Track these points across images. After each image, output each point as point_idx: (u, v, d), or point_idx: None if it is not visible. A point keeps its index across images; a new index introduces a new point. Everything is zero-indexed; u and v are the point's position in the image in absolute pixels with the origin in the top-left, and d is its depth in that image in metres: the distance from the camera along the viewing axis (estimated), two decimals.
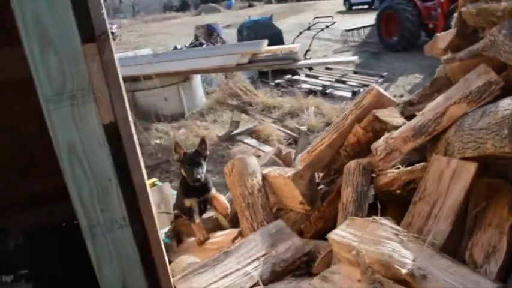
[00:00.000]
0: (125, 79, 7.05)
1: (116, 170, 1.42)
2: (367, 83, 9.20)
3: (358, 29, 14.69)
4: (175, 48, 12.21)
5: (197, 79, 8.70)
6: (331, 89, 9.17)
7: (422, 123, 2.05)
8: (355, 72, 10.45)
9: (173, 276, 2.06)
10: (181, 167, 2.89)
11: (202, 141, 2.90)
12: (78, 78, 1.30)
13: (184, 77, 8.04)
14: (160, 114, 7.09)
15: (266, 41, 7.10)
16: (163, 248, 1.59)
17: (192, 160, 2.82)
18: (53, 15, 1.26)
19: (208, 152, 2.95)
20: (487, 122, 1.68)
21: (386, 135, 2.20)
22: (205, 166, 2.87)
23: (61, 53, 1.28)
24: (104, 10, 1.29)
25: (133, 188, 1.44)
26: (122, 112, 1.36)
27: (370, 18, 15.09)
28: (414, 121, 2.13)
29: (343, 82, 9.61)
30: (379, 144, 2.18)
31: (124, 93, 1.45)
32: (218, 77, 9.34)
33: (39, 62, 1.26)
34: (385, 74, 10.10)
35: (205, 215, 3.04)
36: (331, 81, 9.68)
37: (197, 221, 2.82)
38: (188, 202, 2.88)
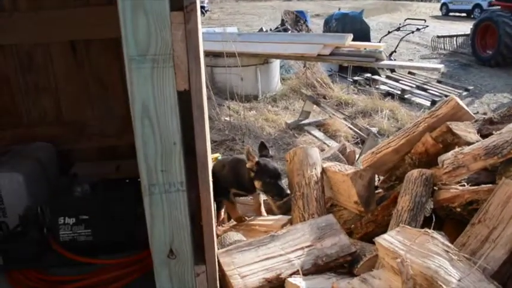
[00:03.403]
0: (207, 54, 7.28)
1: (182, 136, 1.49)
2: (449, 94, 8.79)
3: (451, 36, 14.02)
4: (261, 30, 12.30)
5: (275, 64, 8.74)
6: (410, 95, 8.87)
7: (497, 144, 1.95)
8: (439, 82, 10.02)
9: (218, 249, 2.13)
10: (257, 179, 2.62)
11: (264, 145, 2.74)
12: (162, 44, 1.37)
13: (263, 60, 8.10)
14: (235, 92, 7.21)
15: (351, 35, 6.98)
16: (214, 219, 1.66)
17: (274, 172, 2.60)
18: None
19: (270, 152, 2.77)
20: None
21: (457, 149, 2.12)
22: None
23: (150, 16, 1.35)
24: None
25: (195, 156, 1.51)
26: (196, 82, 1.42)
27: (466, 27, 14.35)
28: (489, 140, 2.03)
29: (424, 90, 9.25)
30: (448, 157, 2.10)
31: (202, 64, 1.51)
32: (297, 64, 9.32)
33: (129, 21, 1.35)
34: (470, 88, 9.59)
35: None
36: (412, 87, 9.35)
37: (235, 201, 2.82)
38: (234, 191, 2.81)
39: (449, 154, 2.11)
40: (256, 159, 2.59)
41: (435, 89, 9.27)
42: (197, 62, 1.39)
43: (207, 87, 6.46)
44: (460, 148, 2.12)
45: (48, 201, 2.44)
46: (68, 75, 3.17)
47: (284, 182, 3.16)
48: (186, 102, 1.45)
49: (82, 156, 3.28)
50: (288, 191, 2.58)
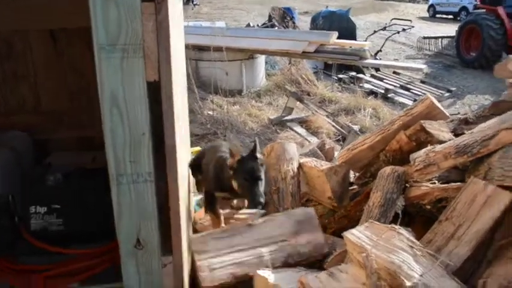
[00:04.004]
0: (192, 47, 7.23)
1: (154, 126, 1.49)
2: (432, 94, 8.87)
3: (436, 38, 14.16)
4: (248, 25, 12.28)
5: (261, 59, 8.73)
6: (393, 94, 8.95)
7: (468, 143, 1.98)
8: (422, 82, 10.14)
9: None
10: (234, 178, 2.27)
11: (255, 144, 2.33)
12: (132, 34, 1.37)
13: (249, 55, 8.09)
14: (219, 87, 7.19)
15: (336, 33, 7.00)
16: (184, 210, 1.66)
17: (253, 173, 2.21)
18: None
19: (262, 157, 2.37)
20: None
21: (429, 147, 2.15)
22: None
23: (121, 6, 1.35)
24: None
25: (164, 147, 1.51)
26: (166, 73, 1.42)
27: (451, 29, 14.48)
28: (460, 139, 2.06)
29: (408, 89, 9.34)
30: (419, 155, 2.13)
31: (177, 56, 1.51)
32: (282, 61, 9.33)
33: (99, 10, 1.35)
34: (453, 89, 9.72)
35: None
36: (396, 86, 9.43)
37: (220, 213, 2.51)
38: (219, 195, 2.51)
39: (421, 152, 2.14)
40: (239, 156, 2.25)
41: (418, 89, 9.37)
42: (167, 53, 1.39)
43: (189, 80, 6.42)
44: (432, 146, 2.15)
45: (20, 190, 2.42)
46: (47, 64, 3.13)
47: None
48: (155, 93, 1.45)
49: (59, 146, 3.25)
50: (263, 200, 2.17)
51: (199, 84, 7.40)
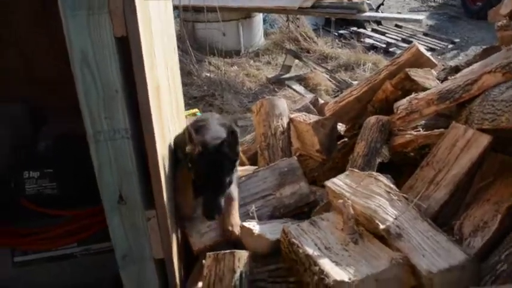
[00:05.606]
0: (188, 8, 7.07)
1: (124, 83, 1.50)
2: (435, 47, 8.72)
3: None
4: None
5: (258, 18, 8.57)
6: (394, 48, 8.75)
7: (450, 88, 1.97)
8: (425, 34, 9.88)
9: None
10: (193, 170, 1.89)
11: (232, 132, 1.86)
12: None
13: (245, 14, 7.94)
14: (216, 48, 7.11)
15: None
16: (161, 166, 1.68)
17: (214, 177, 1.84)
18: None
19: (239, 149, 1.96)
20: (510, 94, 1.60)
21: (412, 95, 2.14)
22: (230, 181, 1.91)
23: None
24: None
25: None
26: (133, 28, 1.41)
27: None
28: (443, 85, 2.05)
29: (410, 43, 9.15)
30: (402, 103, 2.13)
31: (143, 11, 1.49)
32: (281, 19, 9.14)
33: None
34: (457, 40, 9.48)
35: None
36: (397, 40, 9.23)
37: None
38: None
39: (405, 100, 2.14)
40: (200, 147, 1.83)
41: (421, 42, 9.14)
42: (133, 8, 1.38)
43: (184, 42, 6.31)
44: (415, 94, 2.14)
45: (13, 156, 2.46)
46: (36, 28, 3.09)
47: (252, 135, 3.17)
48: (125, 48, 1.45)
49: (55, 113, 3.26)
50: (216, 216, 1.86)
51: (197, 47, 7.31)
